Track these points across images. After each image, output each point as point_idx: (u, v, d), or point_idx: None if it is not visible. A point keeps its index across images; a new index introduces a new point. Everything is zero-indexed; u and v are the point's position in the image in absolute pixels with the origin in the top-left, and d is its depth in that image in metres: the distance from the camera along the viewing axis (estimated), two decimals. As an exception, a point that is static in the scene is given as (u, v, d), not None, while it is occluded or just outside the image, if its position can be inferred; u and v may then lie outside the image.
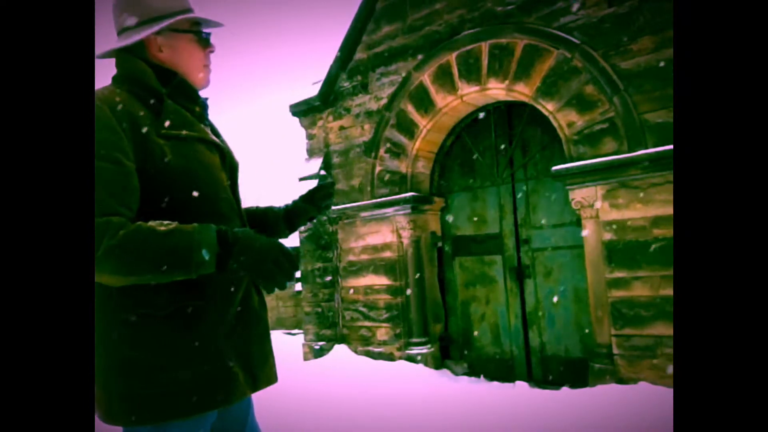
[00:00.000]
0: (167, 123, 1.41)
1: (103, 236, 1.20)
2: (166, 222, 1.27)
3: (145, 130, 1.35)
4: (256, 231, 1.34)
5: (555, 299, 5.43)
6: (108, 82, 1.50)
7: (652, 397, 4.07)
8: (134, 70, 1.47)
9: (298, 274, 7.59)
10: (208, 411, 1.37)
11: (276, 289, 1.29)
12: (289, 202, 1.91)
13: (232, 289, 1.44)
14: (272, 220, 1.85)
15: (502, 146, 5.90)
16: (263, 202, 2.09)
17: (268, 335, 1.58)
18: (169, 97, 1.46)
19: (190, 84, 1.53)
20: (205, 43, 1.55)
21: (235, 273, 1.29)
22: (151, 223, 1.26)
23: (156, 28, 1.47)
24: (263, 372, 1.52)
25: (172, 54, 1.51)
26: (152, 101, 1.42)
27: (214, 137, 1.53)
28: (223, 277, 1.38)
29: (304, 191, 1.97)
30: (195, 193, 1.40)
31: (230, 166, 1.57)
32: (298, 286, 10.13)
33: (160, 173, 1.35)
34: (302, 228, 7.33)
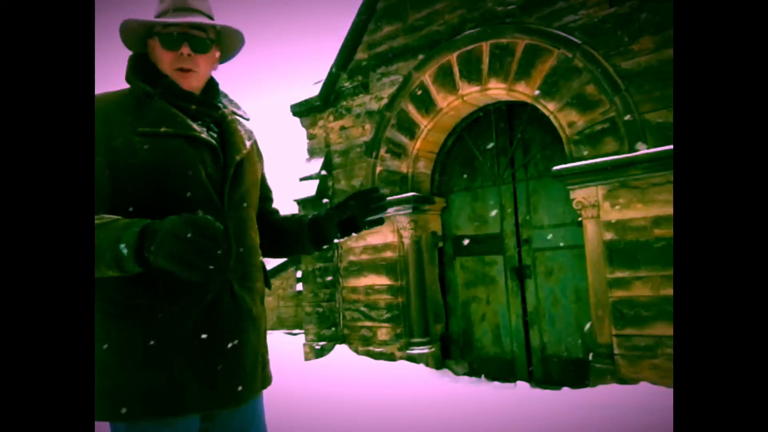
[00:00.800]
0: (145, 121, 1.40)
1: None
2: (110, 217, 1.25)
3: (121, 128, 1.37)
4: (177, 216, 1.16)
5: (556, 299, 5.42)
6: (108, 82, 1.53)
7: (652, 397, 4.07)
8: (128, 69, 1.52)
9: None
10: (150, 418, 1.31)
11: (203, 276, 1.12)
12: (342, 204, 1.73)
13: (193, 291, 1.35)
14: (293, 228, 1.74)
15: (489, 145, 5.90)
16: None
17: (246, 350, 1.44)
18: (161, 96, 1.45)
19: (176, 84, 1.49)
20: (168, 45, 1.47)
21: (157, 264, 1.14)
22: (96, 218, 1.23)
23: (132, 32, 1.51)
24: (226, 389, 1.39)
25: (153, 56, 1.52)
26: (141, 99, 1.44)
27: (202, 134, 1.47)
28: (176, 276, 1.21)
29: (305, 191, 1.88)
30: (158, 188, 1.36)
31: (225, 164, 1.49)
32: (299, 286, 10.13)
33: (130, 170, 1.34)
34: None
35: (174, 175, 1.38)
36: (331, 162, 7.11)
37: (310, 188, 7.11)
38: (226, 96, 1.65)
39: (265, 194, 1.78)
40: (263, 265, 1.62)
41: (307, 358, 7.08)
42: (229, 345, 1.40)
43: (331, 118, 7.14)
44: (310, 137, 7.40)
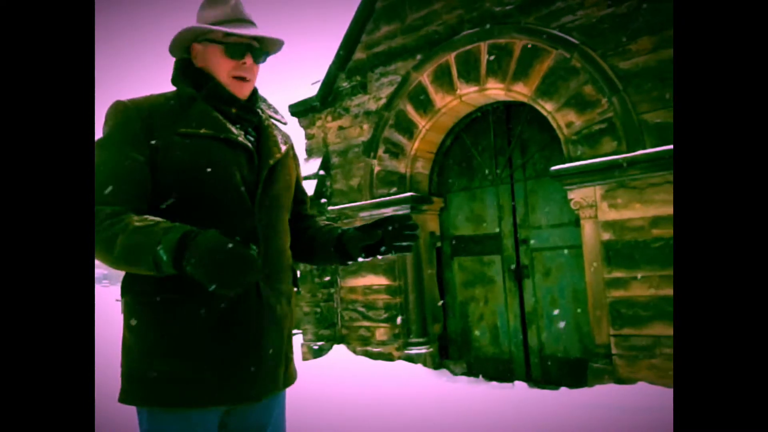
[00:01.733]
0: (189, 122, 1.46)
1: (97, 223, 1.28)
2: (152, 218, 1.31)
3: (164, 127, 1.43)
4: (218, 234, 1.25)
5: (554, 299, 5.43)
6: (108, 81, 1.56)
7: (650, 397, 4.08)
8: (174, 73, 1.59)
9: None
10: (174, 408, 1.37)
11: (231, 293, 1.23)
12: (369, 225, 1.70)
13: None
14: (323, 238, 1.74)
15: (487, 145, 5.91)
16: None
17: (265, 344, 1.47)
18: (204, 99, 1.52)
19: (224, 88, 1.54)
20: (233, 54, 1.54)
21: (191, 275, 1.22)
22: (135, 217, 1.30)
23: (188, 39, 1.56)
24: (244, 385, 1.43)
25: (203, 62, 1.57)
26: (185, 102, 1.50)
27: (239, 137, 1.51)
28: None
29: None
30: (198, 190, 1.43)
31: (260, 167, 1.54)
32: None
33: (169, 169, 1.41)
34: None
35: (210, 176, 1.44)
36: (330, 162, 7.10)
37: (308, 188, 7.11)
38: (265, 101, 1.71)
39: (300, 197, 1.82)
40: (293, 267, 1.67)
41: (305, 358, 7.08)
42: (251, 342, 1.45)
43: (330, 118, 7.13)
44: (309, 137, 7.39)
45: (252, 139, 1.59)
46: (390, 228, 1.62)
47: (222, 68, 1.54)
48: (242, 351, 1.43)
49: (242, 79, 1.56)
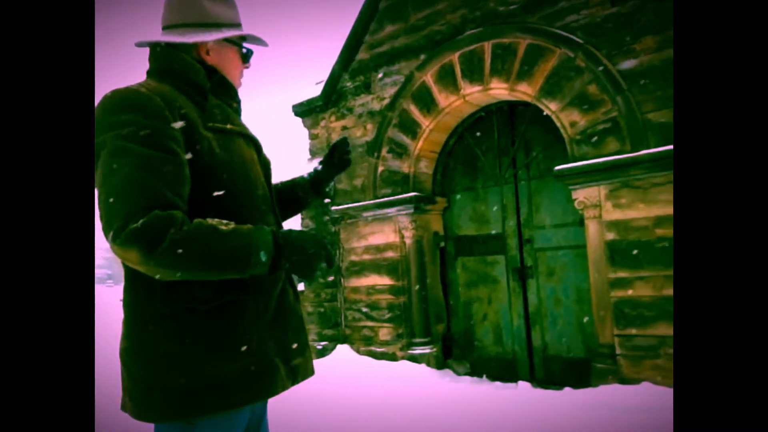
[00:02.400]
0: (213, 116, 1.46)
1: (168, 229, 1.19)
2: (225, 221, 1.30)
3: (193, 122, 1.39)
4: (299, 231, 1.39)
5: (557, 299, 5.42)
6: (107, 81, 1.53)
7: (654, 398, 4.06)
8: (181, 65, 1.49)
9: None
10: (249, 404, 1.37)
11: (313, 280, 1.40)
12: (315, 168, 1.99)
13: (271, 283, 1.46)
14: (301, 193, 1.94)
15: (491, 145, 5.89)
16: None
17: (304, 328, 1.61)
18: (211, 92, 1.52)
19: (229, 81, 1.60)
20: (246, 58, 1.66)
21: (285, 272, 1.37)
22: (210, 221, 1.28)
23: (218, 35, 1.55)
24: (301, 365, 1.54)
25: (217, 59, 1.58)
26: (196, 95, 1.47)
27: (252, 133, 1.60)
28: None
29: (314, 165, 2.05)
30: (233, 187, 1.43)
31: (264, 162, 1.63)
32: (301, 286, 10.14)
33: (206, 165, 1.38)
34: (304, 228, 7.34)
35: (243, 173, 1.47)
36: (333, 162, 7.09)
37: (312, 188, 7.11)
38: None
39: None
40: None
41: (308, 358, 7.08)
42: (298, 329, 1.56)
43: (333, 118, 7.13)
44: (312, 137, 7.40)
45: None
46: (333, 157, 1.96)
47: (236, 70, 1.63)
48: (294, 337, 1.52)
49: (240, 81, 1.68)
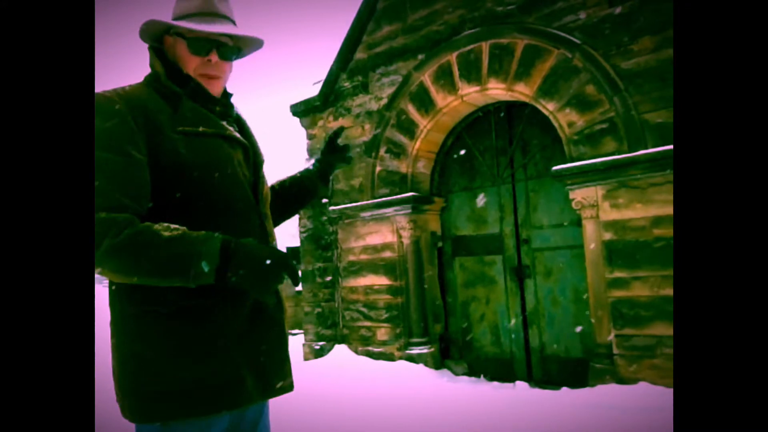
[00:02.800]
0: (183, 119, 1.42)
1: (105, 234, 1.19)
2: (174, 226, 1.26)
3: (160, 125, 1.36)
4: (256, 242, 1.32)
5: (555, 299, 5.43)
6: (107, 81, 1.51)
7: (652, 397, 4.07)
8: (152, 66, 1.50)
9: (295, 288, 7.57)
10: (211, 414, 1.32)
11: (271, 295, 1.31)
12: (312, 162, 1.99)
13: (244, 291, 1.39)
14: (309, 184, 1.93)
15: (488, 145, 5.90)
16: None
17: (285, 340, 1.53)
18: (189, 97, 1.47)
19: (203, 87, 1.50)
20: (197, 51, 1.48)
21: (235, 285, 1.26)
22: (157, 226, 1.24)
23: (159, 30, 1.49)
24: (276, 379, 1.47)
25: (173, 56, 1.51)
26: (171, 98, 1.43)
27: (236, 133, 1.53)
28: None
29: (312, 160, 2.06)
30: (201, 189, 1.39)
31: (254, 163, 1.58)
32: (299, 287, 10.12)
33: (173, 167, 1.35)
34: (302, 228, 7.33)
35: (215, 174, 1.41)
36: (331, 162, 7.09)
37: (310, 188, 7.11)
38: (232, 95, 1.68)
39: None
40: None
41: (306, 358, 7.08)
42: (278, 337, 1.49)
43: (331, 118, 7.13)
44: (310, 137, 7.39)
45: (247, 135, 1.61)
46: (334, 145, 1.98)
47: (189, 64, 1.49)
48: (267, 349, 1.45)
49: (209, 76, 1.51)
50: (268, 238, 1.53)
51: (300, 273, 1.44)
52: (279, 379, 1.48)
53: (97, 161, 1.24)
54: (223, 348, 1.35)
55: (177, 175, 1.35)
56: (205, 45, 1.48)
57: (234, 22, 1.56)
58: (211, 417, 1.34)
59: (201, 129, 1.43)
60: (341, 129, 2.02)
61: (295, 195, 1.90)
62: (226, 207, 1.42)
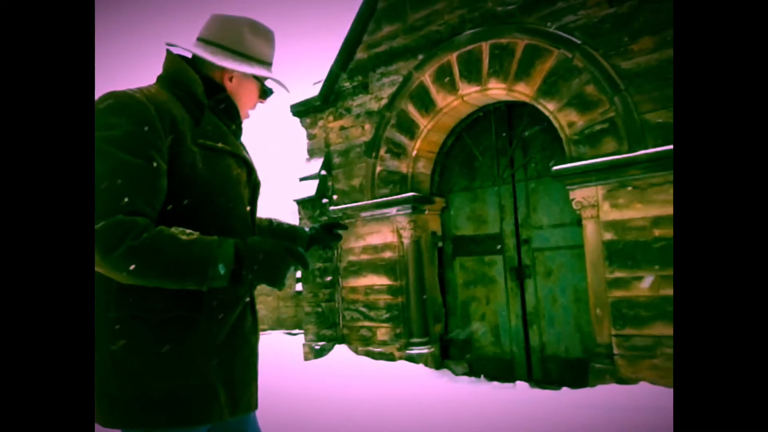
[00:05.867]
0: (205, 133, 1.44)
1: (126, 235, 1.19)
2: (188, 231, 1.28)
3: (183, 135, 1.37)
4: (261, 238, 1.38)
5: (555, 299, 5.43)
6: (107, 81, 1.51)
7: (652, 397, 4.07)
8: (185, 77, 1.49)
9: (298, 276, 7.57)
10: (182, 427, 1.32)
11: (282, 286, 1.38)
12: (312, 226, 2.13)
13: (229, 306, 1.43)
14: (298, 240, 2.04)
15: (488, 145, 5.90)
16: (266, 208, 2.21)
17: (255, 361, 1.56)
18: (210, 109, 1.51)
19: (234, 102, 1.58)
20: (264, 95, 1.69)
21: (250, 283, 1.36)
22: (173, 230, 1.26)
23: (248, 69, 1.56)
24: (244, 397, 1.49)
25: (237, 88, 1.60)
26: (195, 109, 1.45)
27: (245, 153, 1.58)
28: (226, 293, 1.40)
29: (305, 192, 2.16)
30: (210, 205, 1.43)
31: (253, 184, 1.61)
32: (299, 286, 10.13)
33: (185, 179, 1.36)
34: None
35: (224, 192, 1.46)
36: (331, 162, 7.10)
37: (310, 188, 7.12)
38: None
39: None
40: None
41: (306, 358, 7.08)
42: (252, 355, 1.54)
43: (331, 118, 7.14)
44: (310, 137, 7.40)
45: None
46: (331, 229, 2.09)
47: (251, 102, 1.65)
48: (243, 364, 1.49)
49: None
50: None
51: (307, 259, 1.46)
52: (245, 397, 1.49)
53: (122, 163, 1.24)
54: (201, 362, 1.36)
55: (187, 186, 1.37)
56: (269, 92, 1.70)
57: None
58: (182, 430, 1.33)
59: (219, 145, 1.47)
60: (345, 226, 2.14)
61: (278, 236, 1.97)
62: (225, 226, 1.44)
